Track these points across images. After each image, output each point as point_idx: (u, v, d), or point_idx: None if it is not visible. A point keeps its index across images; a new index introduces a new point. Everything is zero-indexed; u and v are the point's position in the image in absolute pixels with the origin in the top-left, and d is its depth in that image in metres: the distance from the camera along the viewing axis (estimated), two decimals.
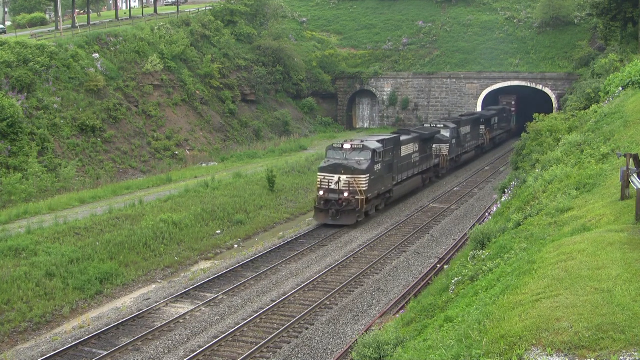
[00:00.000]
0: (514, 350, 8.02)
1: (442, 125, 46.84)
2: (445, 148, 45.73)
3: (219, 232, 31.41)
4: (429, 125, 47.66)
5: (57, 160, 37.92)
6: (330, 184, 31.97)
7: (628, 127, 21.02)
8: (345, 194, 31.63)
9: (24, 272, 22.63)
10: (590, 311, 8.49)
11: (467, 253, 19.04)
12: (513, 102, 68.84)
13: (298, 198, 38.58)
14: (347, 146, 32.70)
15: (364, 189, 31.84)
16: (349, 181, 31.61)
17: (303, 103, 68.05)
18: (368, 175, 32.03)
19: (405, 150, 37.52)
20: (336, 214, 31.81)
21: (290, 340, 19.27)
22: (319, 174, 32.74)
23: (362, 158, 32.24)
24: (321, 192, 32.05)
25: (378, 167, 33.08)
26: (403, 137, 37.94)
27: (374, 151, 32.42)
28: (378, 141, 34.05)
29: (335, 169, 32.08)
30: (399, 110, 69.35)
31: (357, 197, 31.74)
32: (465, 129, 51.29)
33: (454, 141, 47.14)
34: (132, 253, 26.60)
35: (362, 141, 33.65)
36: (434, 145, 43.85)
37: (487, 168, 51.72)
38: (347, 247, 29.44)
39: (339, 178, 31.76)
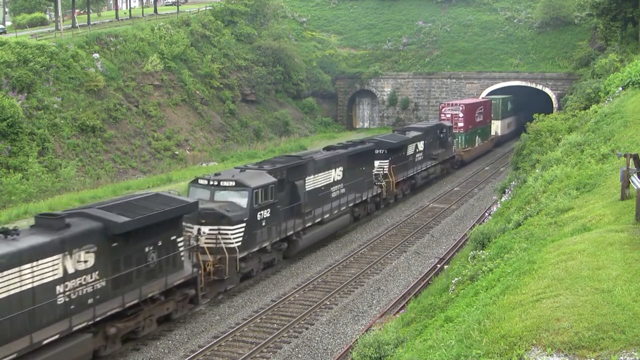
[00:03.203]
0: (514, 350, 8.02)
1: (232, 183, 22.45)
2: (232, 235, 21.68)
3: None
4: (202, 183, 22.84)
5: (57, 160, 37.93)
6: None
7: (628, 127, 21.06)
8: None
9: None
10: (590, 311, 8.50)
11: (467, 253, 19.06)
12: (461, 114, 48.75)
13: None
14: None
15: None
16: None
17: (303, 103, 68.03)
18: None
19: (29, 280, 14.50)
20: None
21: (290, 340, 19.28)
22: None
23: None
24: None
25: None
26: (25, 244, 14.50)
27: None
28: None
29: None
30: (399, 110, 69.39)
31: None
32: (316, 179, 27.25)
33: (263, 214, 23.09)
34: None
35: None
36: (195, 233, 20.84)
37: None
38: (347, 247, 29.44)
39: None
